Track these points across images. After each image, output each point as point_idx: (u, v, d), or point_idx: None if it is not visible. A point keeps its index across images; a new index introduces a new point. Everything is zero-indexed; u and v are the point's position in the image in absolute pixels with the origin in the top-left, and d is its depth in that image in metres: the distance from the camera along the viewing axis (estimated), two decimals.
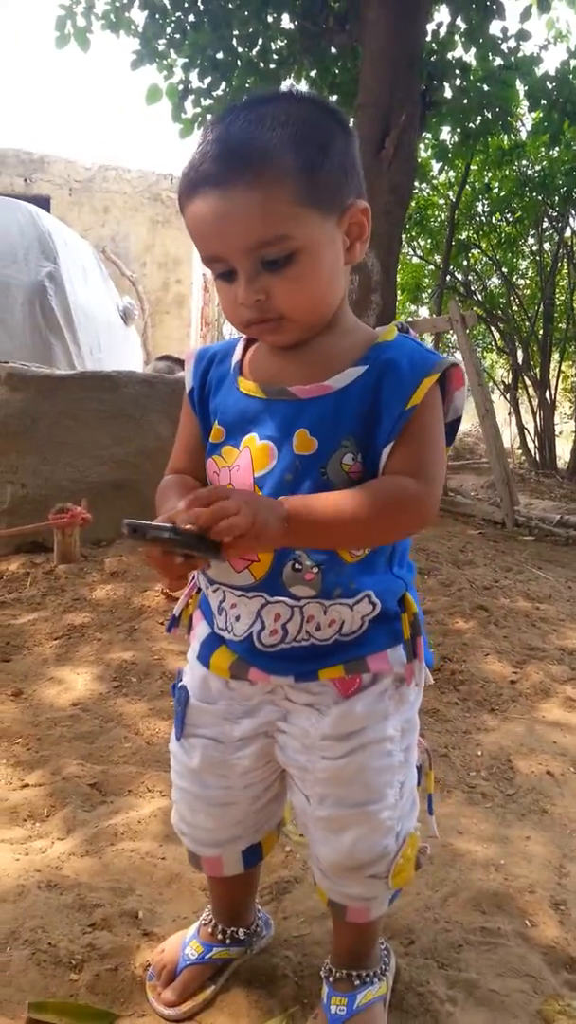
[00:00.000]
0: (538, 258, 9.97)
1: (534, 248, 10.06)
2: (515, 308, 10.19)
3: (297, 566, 1.05)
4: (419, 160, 7.15)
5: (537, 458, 9.83)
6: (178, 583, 1.03)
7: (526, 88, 6.92)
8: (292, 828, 1.46)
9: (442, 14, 6.54)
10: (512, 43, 6.68)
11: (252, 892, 1.41)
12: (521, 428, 10.21)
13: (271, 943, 1.44)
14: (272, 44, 6.87)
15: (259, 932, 1.42)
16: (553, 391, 9.95)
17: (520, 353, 10.15)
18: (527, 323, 10.06)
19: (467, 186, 8.94)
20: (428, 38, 6.26)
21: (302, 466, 1.03)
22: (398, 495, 1.00)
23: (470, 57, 6.82)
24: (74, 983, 1.33)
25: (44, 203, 12.32)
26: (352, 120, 6.14)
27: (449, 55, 6.72)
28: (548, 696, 2.62)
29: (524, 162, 8.87)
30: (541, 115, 7.35)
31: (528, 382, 10.14)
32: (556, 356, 10.37)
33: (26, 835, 1.79)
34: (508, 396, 10.66)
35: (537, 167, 8.86)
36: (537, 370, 9.86)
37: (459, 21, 6.54)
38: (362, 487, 1.00)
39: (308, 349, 1.06)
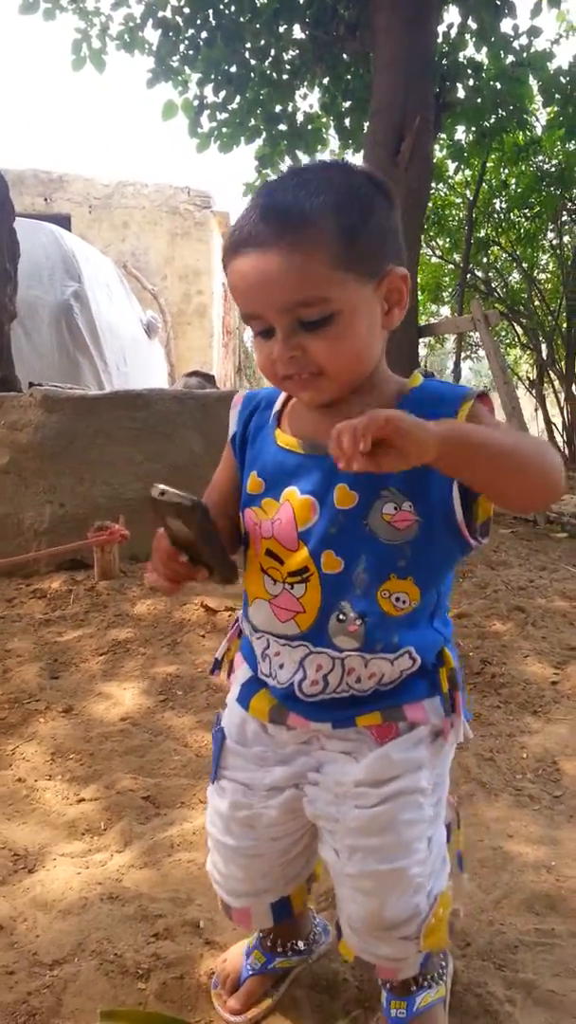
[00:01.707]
0: (559, 252, 9.93)
1: (554, 242, 10.01)
2: (537, 303, 10.14)
3: (342, 617, 1.08)
4: (435, 161, 7.17)
5: (566, 452, 9.77)
6: (168, 582, 1.06)
7: (540, 84, 6.92)
8: None
9: (452, 15, 6.60)
10: (524, 40, 6.70)
11: (300, 920, 1.41)
12: (548, 423, 10.16)
13: (329, 948, 1.47)
14: (284, 55, 6.94)
15: (317, 940, 1.45)
16: None
17: (544, 348, 10.10)
18: (550, 318, 10.01)
19: (484, 184, 8.93)
20: (439, 40, 6.28)
21: (344, 520, 1.06)
22: (546, 448, 0.99)
23: (482, 56, 6.84)
24: (142, 992, 1.38)
25: (64, 221, 12.48)
26: (367, 125, 6.19)
27: (461, 55, 6.75)
28: None
29: (541, 157, 8.84)
30: (556, 110, 7.35)
31: (553, 376, 10.09)
32: None
33: (85, 848, 1.85)
34: (534, 392, 10.61)
35: (554, 161, 8.82)
36: (562, 364, 9.81)
37: (470, 21, 6.56)
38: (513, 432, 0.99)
39: (344, 405, 1.07)
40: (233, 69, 6.93)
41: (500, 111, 6.94)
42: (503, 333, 10.92)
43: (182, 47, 6.97)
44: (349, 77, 7.06)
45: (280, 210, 0.98)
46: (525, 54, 6.71)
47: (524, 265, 10.04)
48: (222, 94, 7.07)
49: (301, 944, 1.41)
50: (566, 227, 9.73)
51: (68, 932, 1.53)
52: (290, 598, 1.11)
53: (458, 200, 9.83)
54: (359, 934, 1.17)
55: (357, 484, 1.05)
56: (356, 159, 7.12)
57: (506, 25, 6.63)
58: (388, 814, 1.11)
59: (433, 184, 8.02)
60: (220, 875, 1.28)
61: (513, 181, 9.29)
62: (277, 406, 1.17)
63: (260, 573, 1.14)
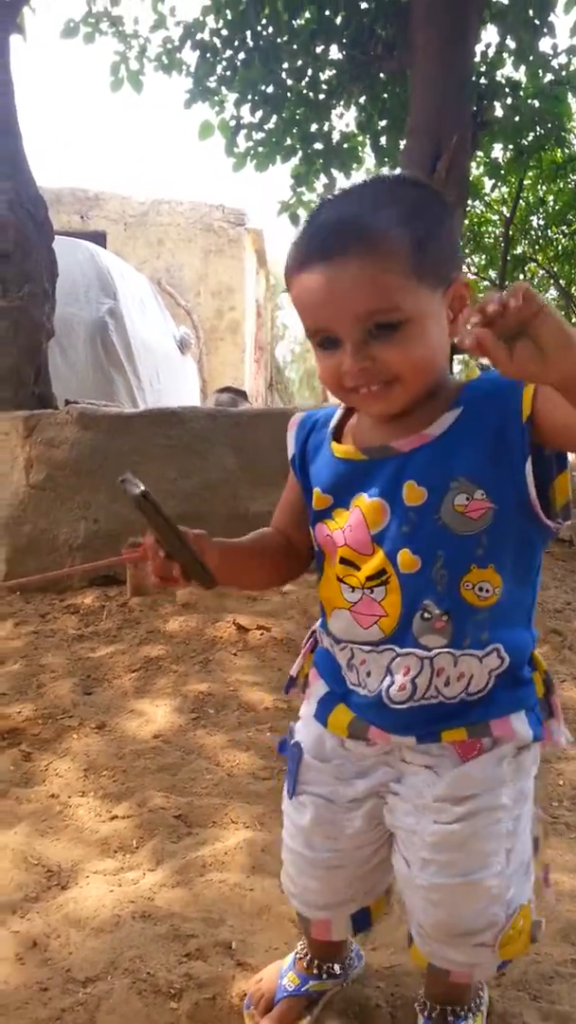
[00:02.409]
0: None
1: None
2: (575, 320, 10.10)
3: (427, 615, 1.07)
4: (471, 178, 7.17)
5: None
6: (139, 577, 1.08)
7: None
8: None
9: (490, 34, 6.64)
10: (563, 59, 6.69)
11: (340, 943, 1.40)
12: None
13: (363, 973, 1.46)
14: (321, 75, 6.98)
15: (352, 964, 1.44)
16: None
17: None
18: None
19: (521, 201, 8.93)
20: (477, 59, 6.30)
21: (416, 517, 1.05)
22: None
23: (520, 75, 6.85)
24: (174, 1011, 1.38)
25: (100, 238, 12.66)
26: (403, 143, 6.21)
27: (499, 74, 6.76)
28: None
29: None
30: None
31: None
32: None
33: (118, 866, 1.85)
34: None
35: None
36: None
37: (508, 40, 6.56)
38: None
39: (402, 416, 1.07)
40: (270, 89, 6.99)
41: (538, 129, 6.93)
42: None
43: (219, 68, 7.04)
44: (385, 96, 7.08)
45: (348, 223, 0.99)
46: (564, 72, 6.70)
47: (561, 282, 10.00)
48: (259, 114, 7.12)
49: (337, 968, 1.40)
50: None
51: (101, 950, 1.53)
52: (371, 603, 1.10)
53: (495, 217, 9.83)
54: (431, 941, 1.16)
55: (425, 480, 1.05)
56: None
57: (545, 44, 6.68)
58: (466, 831, 1.10)
59: (469, 201, 8.02)
60: (296, 887, 1.28)
61: (551, 198, 9.27)
62: (333, 423, 1.18)
63: (336, 583, 1.14)
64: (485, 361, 0.82)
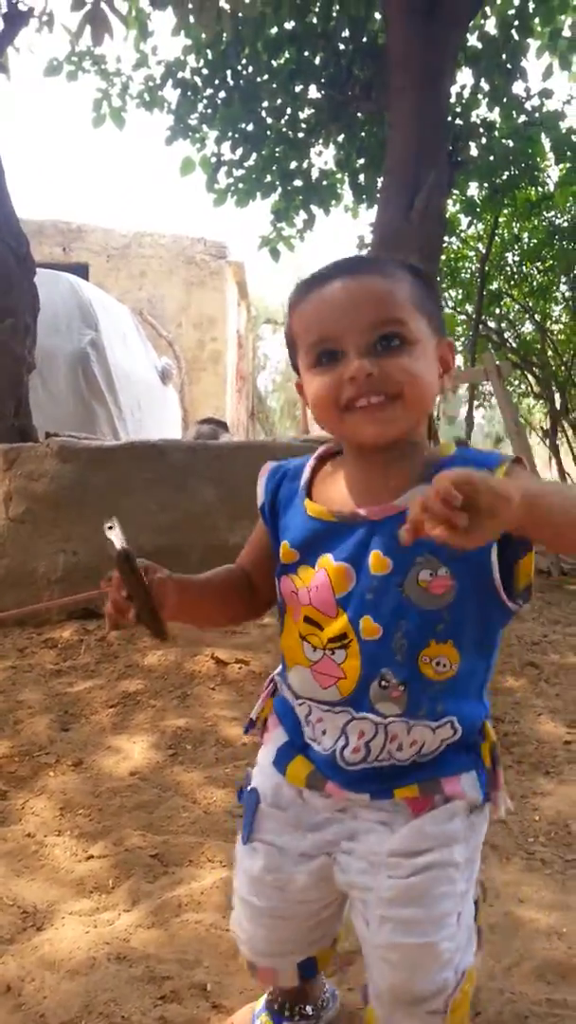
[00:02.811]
0: (572, 304, 10.03)
1: (567, 295, 10.12)
2: (550, 354, 10.23)
3: (384, 683, 1.09)
4: (448, 215, 7.30)
5: None
6: (112, 611, 1.11)
7: (551, 143, 7.06)
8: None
9: (465, 76, 6.75)
10: (535, 101, 6.85)
11: (311, 984, 1.39)
12: (562, 473, 10.18)
13: (337, 1015, 1.46)
14: (300, 114, 7.12)
15: (326, 1005, 1.44)
16: None
17: (558, 398, 10.16)
18: (563, 368, 10.09)
19: (496, 238, 9.07)
20: (452, 100, 6.44)
21: (380, 586, 1.07)
22: None
23: (495, 115, 6.99)
24: None
25: (82, 270, 12.72)
26: (381, 181, 6.32)
27: (474, 115, 6.90)
28: None
29: (553, 212, 8.99)
30: (568, 167, 7.48)
31: (567, 427, 10.14)
32: None
33: (93, 907, 1.84)
34: (547, 441, 10.65)
35: (567, 217, 8.96)
36: None
37: (482, 83, 6.72)
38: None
39: (374, 474, 1.10)
40: (250, 127, 7.11)
41: (512, 168, 7.08)
42: (516, 382, 11.00)
43: (200, 106, 7.17)
44: (364, 135, 7.22)
45: (360, 259, 1.17)
46: (537, 114, 6.86)
47: (537, 317, 10.14)
48: (239, 151, 7.24)
49: (309, 1009, 1.40)
50: None
51: (76, 993, 1.52)
52: (331, 664, 1.12)
53: (471, 253, 9.97)
54: (386, 1006, 1.16)
55: (391, 551, 1.07)
56: (370, 215, 7.27)
57: (518, 87, 6.82)
58: (421, 886, 1.10)
59: (446, 238, 8.15)
60: (244, 934, 1.27)
61: (526, 235, 9.43)
62: (306, 475, 1.20)
63: (299, 640, 1.15)
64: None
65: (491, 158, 6.88)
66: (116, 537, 1.07)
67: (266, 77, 6.87)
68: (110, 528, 1.08)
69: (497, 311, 10.43)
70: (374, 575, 1.08)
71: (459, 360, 11.83)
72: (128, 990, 1.52)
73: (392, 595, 1.07)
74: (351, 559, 1.09)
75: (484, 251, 8.86)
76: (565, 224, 8.94)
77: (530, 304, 10.03)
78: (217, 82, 7.02)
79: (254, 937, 1.26)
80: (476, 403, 10.47)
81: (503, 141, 6.89)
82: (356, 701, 1.11)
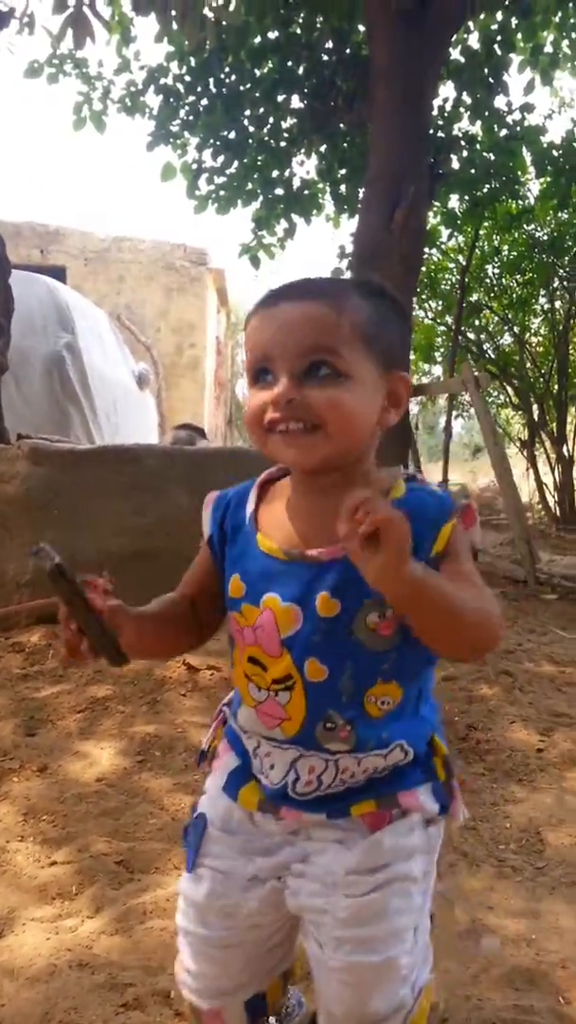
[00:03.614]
0: (550, 316, 10.11)
1: (545, 307, 10.21)
2: (528, 365, 10.31)
3: (330, 725, 1.07)
4: (428, 227, 7.33)
5: (557, 513, 9.83)
6: (68, 650, 1.06)
7: (532, 156, 7.11)
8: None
9: (448, 89, 6.79)
10: (517, 115, 6.90)
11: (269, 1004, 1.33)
12: (540, 483, 10.24)
13: (304, 1021, 1.43)
14: (283, 123, 7.12)
15: (291, 1013, 1.41)
16: (571, 446, 10.00)
17: (536, 409, 10.23)
18: (541, 380, 10.17)
19: (477, 250, 9.13)
20: (435, 113, 6.47)
21: (327, 628, 1.05)
22: (489, 613, 1.02)
23: (476, 129, 7.04)
24: None
25: (60, 273, 12.66)
26: (362, 192, 6.34)
27: (456, 128, 6.93)
28: None
29: (533, 226, 9.06)
30: (548, 181, 7.54)
31: (545, 438, 10.20)
32: (573, 411, 10.46)
33: (56, 913, 1.80)
34: (525, 452, 10.72)
35: (546, 229, 9.04)
36: (553, 426, 9.93)
37: (464, 96, 6.76)
38: (467, 584, 1.02)
39: (323, 507, 1.05)
40: (232, 135, 7.09)
41: (493, 181, 7.12)
42: (495, 392, 11.07)
43: (182, 113, 7.14)
44: (346, 146, 7.23)
45: (317, 282, 1.08)
46: (519, 128, 6.91)
47: (516, 329, 10.22)
48: (220, 159, 7.22)
49: (273, 1020, 1.37)
50: (558, 293, 9.92)
51: (35, 1001, 1.48)
52: (275, 705, 1.10)
53: (451, 265, 10.03)
54: None
55: (338, 593, 1.04)
56: (351, 225, 7.29)
57: (500, 101, 6.84)
58: (379, 902, 1.08)
59: (426, 249, 8.19)
60: (191, 975, 1.20)
61: (506, 248, 9.50)
62: (251, 505, 1.16)
63: (245, 679, 1.13)
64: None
65: (472, 171, 6.90)
66: (46, 557, 0.97)
67: (249, 86, 6.86)
68: (36, 552, 0.98)
69: (476, 323, 10.50)
70: (322, 617, 1.05)
71: (438, 371, 11.93)
72: (90, 998, 1.48)
73: (341, 637, 1.05)
74: (298, 600, 1.06)
75: (464, 263, 8.90)
76: (544, 237, 9.03)
77: (509, 316, 10.10)
78: (200, 89, 7.00)
79: (200, 975, 1.19)
80: (455, 413, 10.51)
81: (484, 154, 6.92)
82: (303, 740, 1.09)
